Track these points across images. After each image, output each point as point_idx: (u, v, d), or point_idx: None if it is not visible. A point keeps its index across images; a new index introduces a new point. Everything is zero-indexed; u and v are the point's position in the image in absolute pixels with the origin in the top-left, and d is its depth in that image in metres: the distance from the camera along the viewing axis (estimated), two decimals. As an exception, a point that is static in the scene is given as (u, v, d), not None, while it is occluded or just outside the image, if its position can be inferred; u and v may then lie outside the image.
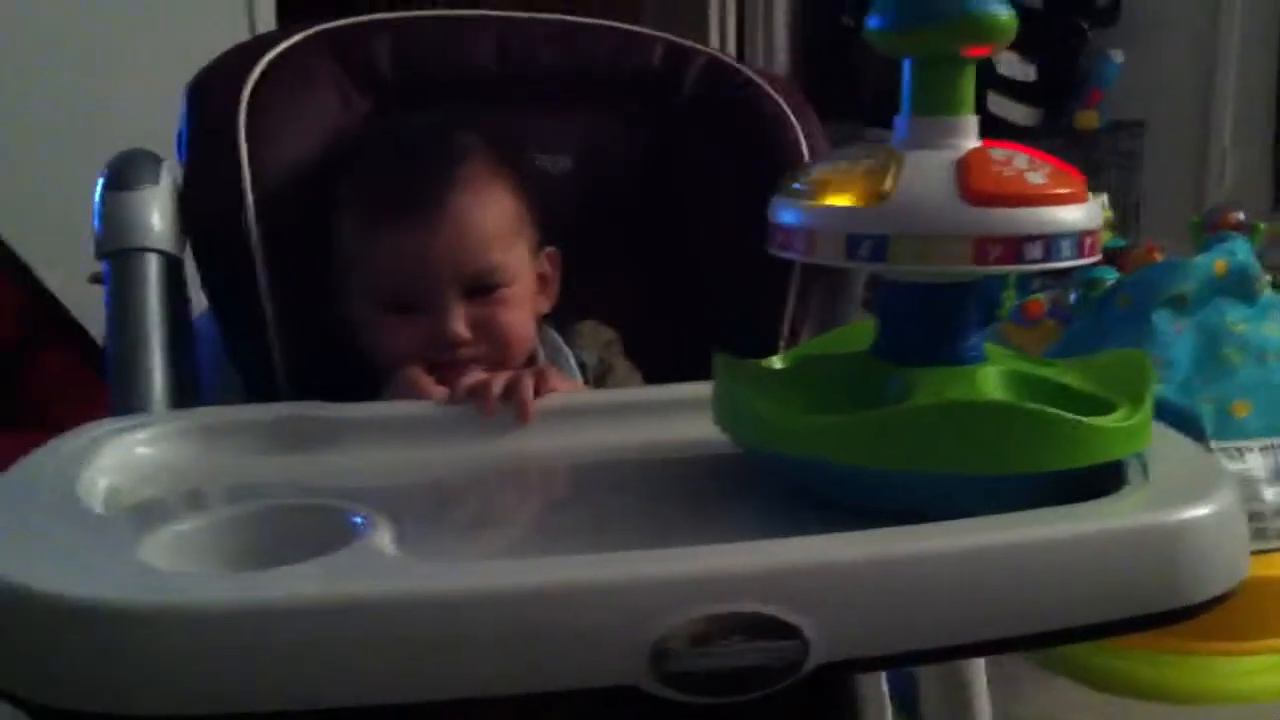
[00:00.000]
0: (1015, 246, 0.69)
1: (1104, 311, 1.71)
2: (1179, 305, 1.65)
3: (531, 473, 0.85)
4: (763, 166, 1.09)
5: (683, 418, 0.87)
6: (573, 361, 1.04)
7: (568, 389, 0.92)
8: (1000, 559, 0.62)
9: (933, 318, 0.75)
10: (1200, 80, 3.76)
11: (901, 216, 0.69)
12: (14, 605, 0.57)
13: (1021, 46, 3.91)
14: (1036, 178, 0.71)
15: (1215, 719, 1.79)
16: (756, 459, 0.78)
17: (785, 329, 1.09)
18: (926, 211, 0.69)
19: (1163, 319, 1.63)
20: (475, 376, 0.90)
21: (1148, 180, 3.77)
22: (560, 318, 1.06)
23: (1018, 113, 3.93)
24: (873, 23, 0.75)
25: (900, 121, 0.75)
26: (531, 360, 1.01)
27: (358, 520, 0.66)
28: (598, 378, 1.05)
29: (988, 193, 0.69)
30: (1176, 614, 0.65)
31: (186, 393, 0.94)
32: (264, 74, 1.04)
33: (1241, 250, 1.70)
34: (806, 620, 0.58)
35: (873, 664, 0.62)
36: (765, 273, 1.09)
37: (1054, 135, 3.84)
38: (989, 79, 3.89)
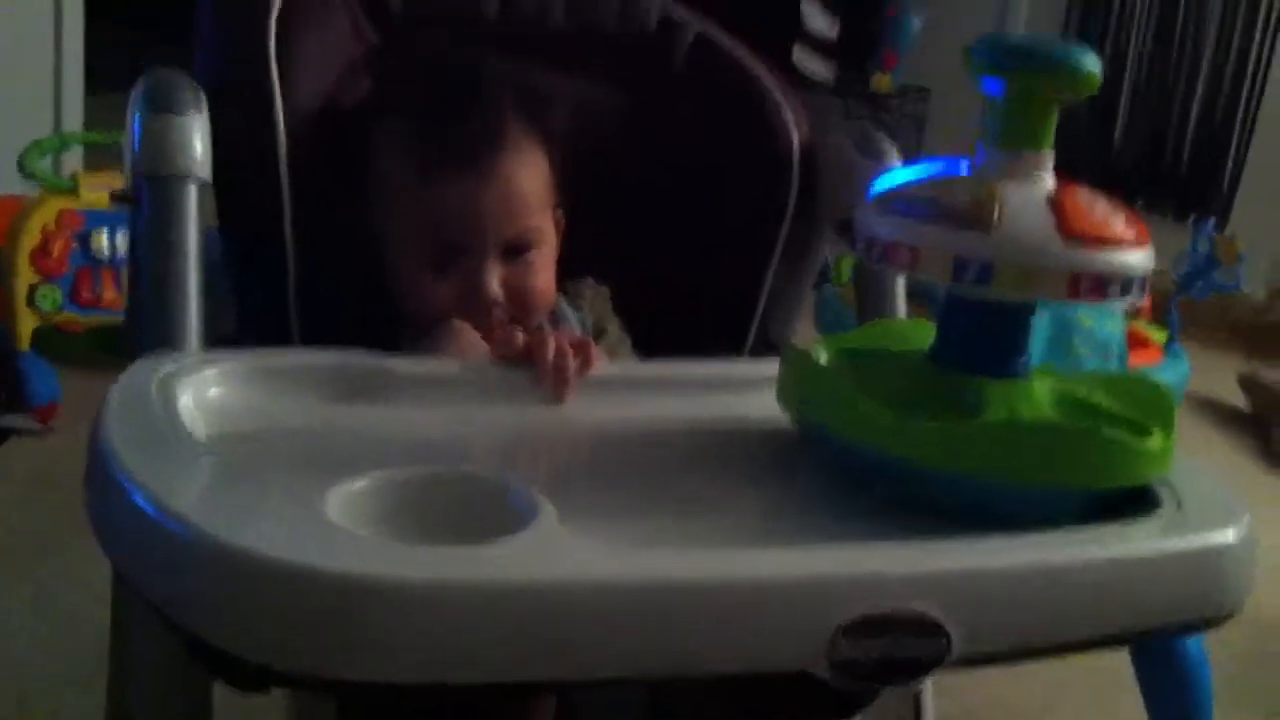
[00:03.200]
0: (1103, 284, 0.77)
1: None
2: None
3: (599, 445, 0.88)
4: (750, 147, 1.15)
5: (717, 393, 0.93)
6: (575, 322, 1.07)
7: (604, 360, 0.95)
8: (1102, 568, 0.71)
9: (1003, 333, 0.83)
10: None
11: (1007, 246, 0.76)
12: (243, 569, 0.58)
13: (828, 3, 4.06)
14: (1119, 223, 0.79)
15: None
16: (818, 445, 0.84)
17: (763, 300, 1.15)
18: (1031, 244, 0.76)
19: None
20: (523, 335, 0.92)
21: (931, 145, 3.97)
22: (561, 276, 1.09)
23: (818, 67, 4.07)
24: (977, 55, 0.81)
25: (989, 151, 0.82)
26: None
27: (522, 498, 0.68)
28: (592, 338, 1.08)
29: (1085, 233, 0.77)
30: (1210, 622, 0.76)
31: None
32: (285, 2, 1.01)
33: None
34: (953, 620, 0.65)
35: (993, 659, 0.70)
36: (749, 245, 1.15)
37: (850, 94, 4.01)
38: (794, 32, 4.02)
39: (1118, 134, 3.85)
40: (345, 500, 0.65)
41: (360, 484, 0.66)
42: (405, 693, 0.61)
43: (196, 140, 0.91)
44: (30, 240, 2.51)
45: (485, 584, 0.59)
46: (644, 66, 1.16)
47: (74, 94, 3.08)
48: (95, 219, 2.55)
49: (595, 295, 1.10)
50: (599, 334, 1.08)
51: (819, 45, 4.02)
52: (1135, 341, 1.98)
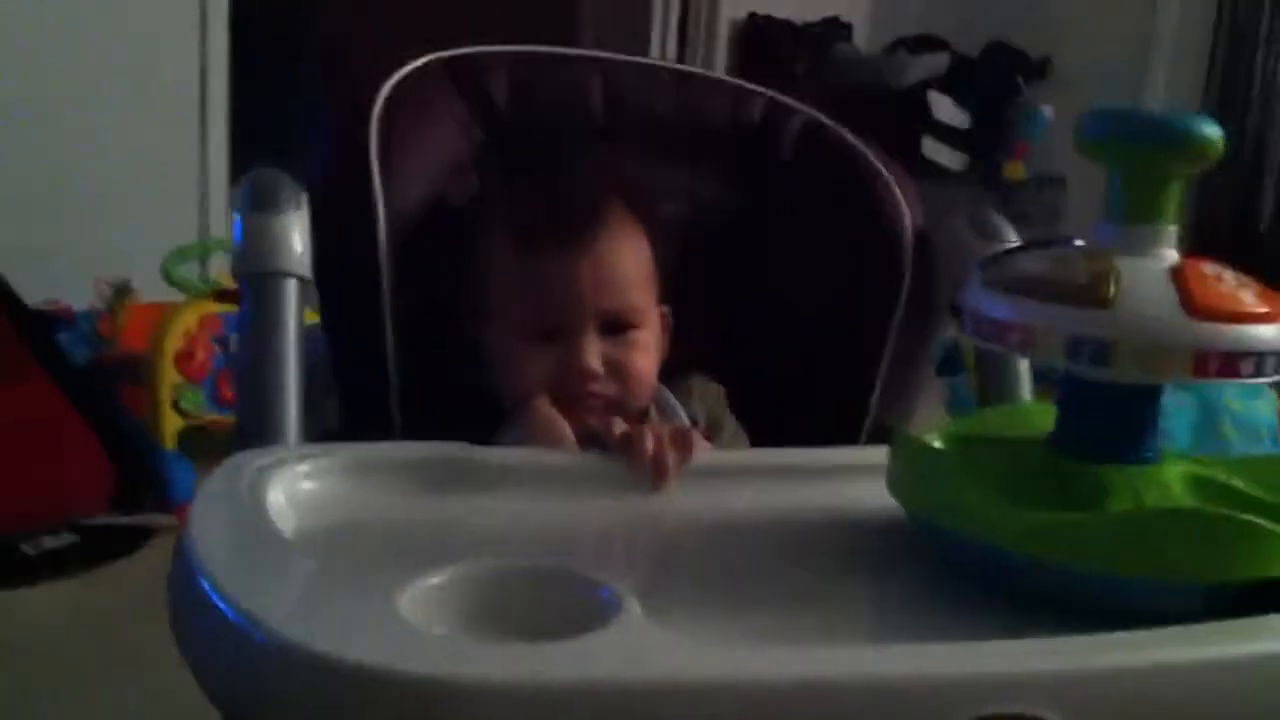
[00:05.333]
0: (1233, 361, 0.72)
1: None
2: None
3: (695, 535, 0.85)
4: (862, 230, 1.12)
5: (818, 482, 0.89)
6: (684, 417, 1.04)
7: (706, 449, 0.92)
8: (1238, 667, 0.64)
9: (1127, 417, 0.78)
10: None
11: (1126, 324, 0.72)
12: (308, 670, 0.56)
13: (957, 93, 4.03)
14: (1248, 295, 0.74)
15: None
16: (931, 537, 0.79)
17: (877, 393, 1.11)
18: (1150, 321, 0.72)
19: (1169, 392, 1.70)
20: (622, 425, 0.90)
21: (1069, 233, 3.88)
22: (667, 375, 1.07)
23: (948, 157, 4.03)
24: (1091, 133, 0.77)
25: (1106, 227, 0.78)
26: (645, 415, 1.02)
27: (604, 593, 0.65)
28: (706, 434, 1.05)
29: (1211, 307, 0.72)
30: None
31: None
32: (391, 93, 1.02)
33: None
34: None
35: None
36: (862, 337, 1.11)
37: (980, 183, 3.96)
38: (924, 123, 4.00)
39: (1264, 215, 3.72)
40: (418, 598, 0.62)
41: (435, 580, 0.64)
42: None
43: (295, 237, 0.92)
44: (174, 345, 2.59)
45: (559, 682, 0.56)
46: (751, 157, 1.15)
47: (219, 200, 3.19)
48: (235, 322, 2.62)
49: (705, 391, 1.07)
50: (713, 428, 1.06)
51: (949, 135, 3.99)
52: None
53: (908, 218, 1.11)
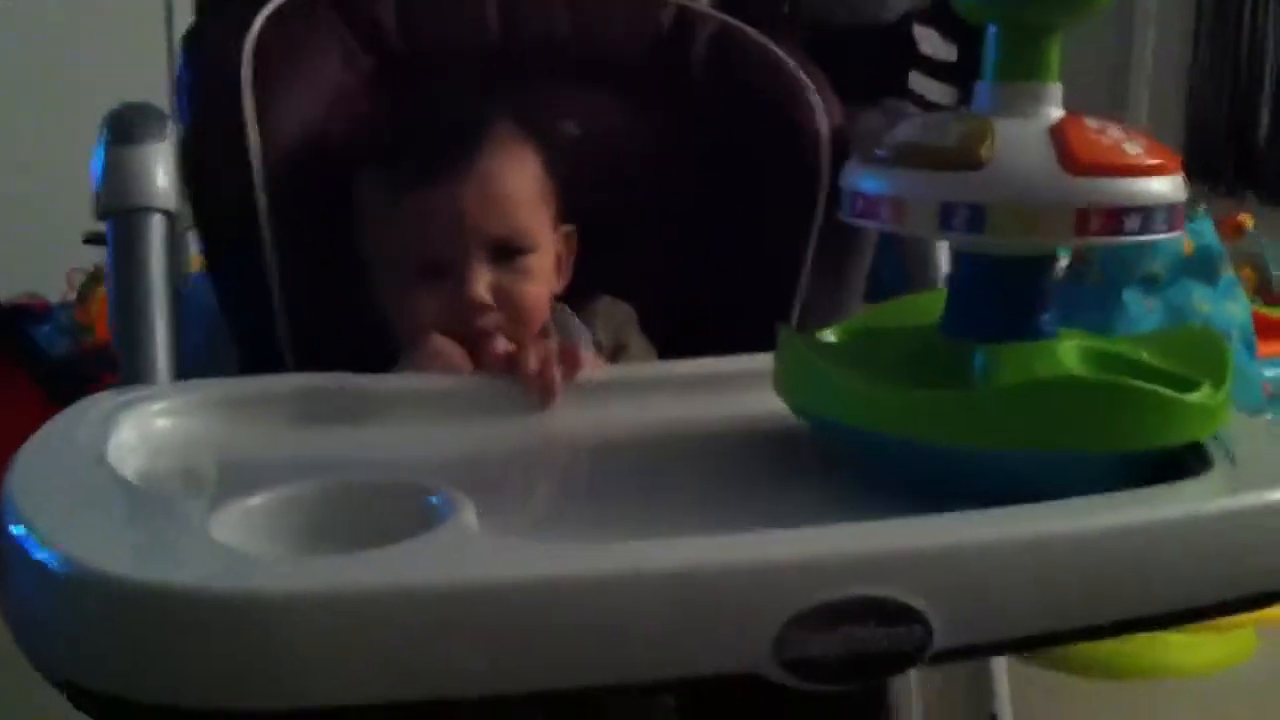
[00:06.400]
0: (1116, 218, 0.67)
1: (1075, 286, 1.72)
2: (1150, 284, 1.67)
3: (578, 450, 0.81)
4: (775, 131, 1.06)
5: (716, 393, 0.85)
6: (588, 340, 1.00)
7: (595, 364, 0.88)
8: (1116, 541, 0.60)
9: (1014, 291, 0.73)
10: (1116, 60, 3.81)
11: (1001, 185, 0.67)
12: (112, 596, 0.52)
13: (944, 29, 3.94)
14: (1133, 148, 0.69)
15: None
16: (823, 434, 0.75)
17: (798, 305, 1.06)
18: (1027, 180, 0.67)
19: (1133, 297, 1.65)
20: (505, 344, 0.86)
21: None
22: (573, 296, 1.02)
23: (936, 91, 3.94)
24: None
25: (984, 87, 0.73)
26: (544, 336, 0.97)
27: (434, 500, 0.61)
28: (611, 356, 1.01)
29: (1090, 161, 0.67)
30: (1272, 597, 0.64)
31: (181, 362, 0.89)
32: (265, 24, 0.97)
33: (1206, 231, 1.73)
34: (931, 605, 0.56)
35: (989, 649, 0.60)
36: (780, 246, 1.06)
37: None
38: (910, 57, 3.91)
39: (1261, 127, 3.63)
40: (234, 519, 0.58)
41: (255, 501, 0.60)
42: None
43: (159, 170, 0.88)
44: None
45: (365, 590, 0.52)
46: (659, 68, 1.09)
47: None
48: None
49: (612, 313, 1.03)
50: (618, 350, 1.01)
51: (936, 69, 3.90)
52: (1265, 327, 1.82)
53: (824, 116, 1.06)
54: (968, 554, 0.57)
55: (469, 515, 0.59)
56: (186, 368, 0.92)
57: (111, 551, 0.55)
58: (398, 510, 0.60)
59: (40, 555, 0.55)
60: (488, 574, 0.54)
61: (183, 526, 0.57)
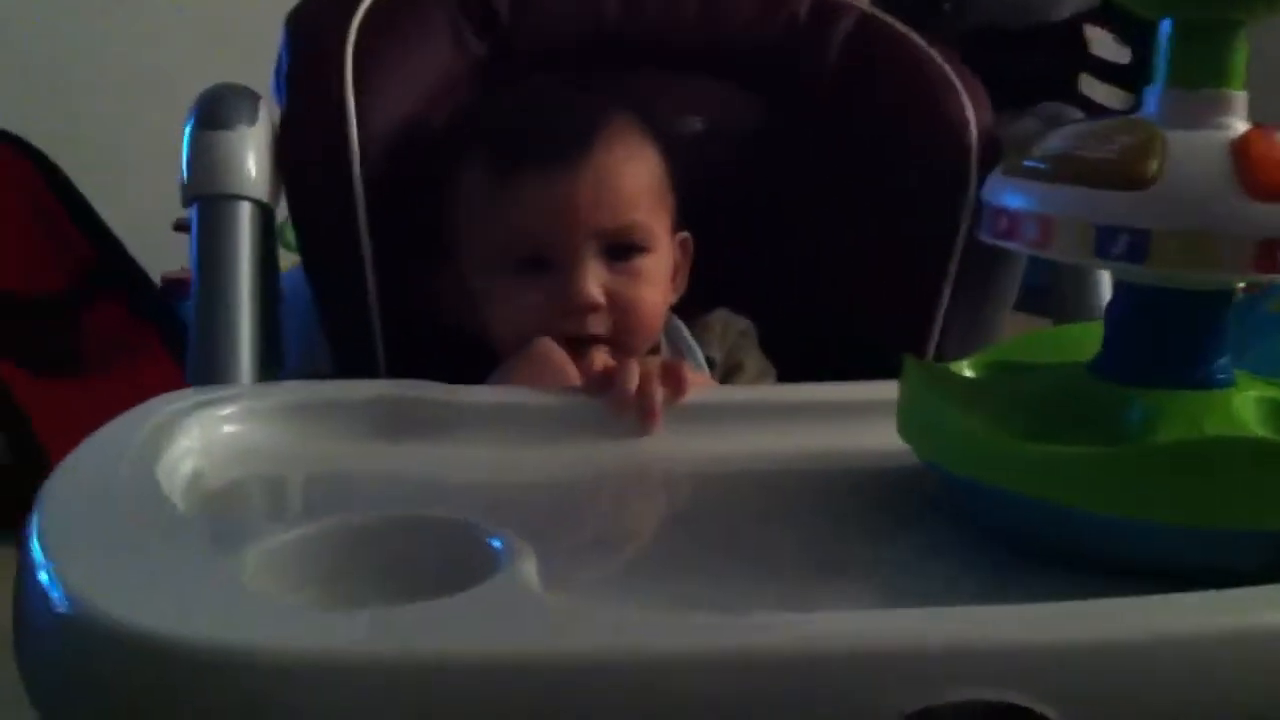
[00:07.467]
0: (1308, 252, 0.56)
1: (1250, 316, 1.57)
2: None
3: (676, 482, 0.73)
4: (920, 134, 0.97)
5: (839, 423, 0.76)
6: (700, 357, 0.92)
7: (705, 385, 0.80)
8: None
9: (1181, 331, 0.63)
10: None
11: (1169, 208, 0.57)
12: (126, 649, 0.46)
13: (1117, 29, 3.75)
14: (1332, 171, 0.58)
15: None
16: (943, 484, 0.66)
17: (938, 324, 0.97)
18: (1201, 203, 0.57)
19: (1314, 329, 1.50)
20: (605, 359, 0.79)
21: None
22: (687, 308, 0.95)
23: (1108, 95, 3.76)
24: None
25: (1155, 92, 0.63)
26: (654, 353, 0.90)
27: (495, 544, 0.54)
28: (724, 375, 0.93)
29: (1278, 184, 0.56)
30: None
31: (272, 361, 0.84)
32: (372, 7, 0.92)
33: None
34: (1059, 709, 0.46)
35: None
36: (920, 260, 0.97)
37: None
38: (1081, 59, 3.73)
39: None
40: (270, 554, 0.52)
41: (287, 537, 0.54)
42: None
43: (249, 156, 0.83)
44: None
45: (368, 654, 0.45)
46: (791, 64, 1.01)
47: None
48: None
49: (728, 326, 0.95)
50: (732, 370, 0.93)
51: (1108, 72, 3.72)
52: None
53: (974, 118, 0.96)
54: (1115, 654, 0.47)
55: (528, 565, 0.52)
56: (290, 369, 0.88)
57: (128, 599, 0.48)
58: (449, 553, 0.54)
59: (54, 596, 0.49)
60: (536, 642, 0.46)
61: (211, 568, 0.51)
